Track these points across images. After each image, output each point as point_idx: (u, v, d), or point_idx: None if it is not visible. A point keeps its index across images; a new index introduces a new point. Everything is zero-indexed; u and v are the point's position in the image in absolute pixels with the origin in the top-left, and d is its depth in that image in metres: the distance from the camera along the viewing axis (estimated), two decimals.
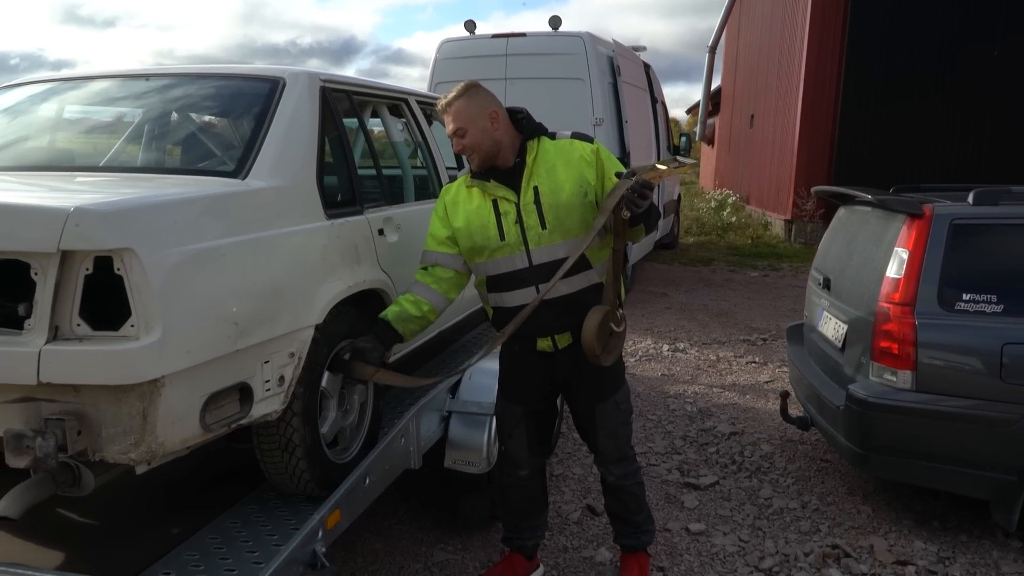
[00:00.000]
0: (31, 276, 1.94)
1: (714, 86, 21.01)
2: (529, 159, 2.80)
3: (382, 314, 2.90)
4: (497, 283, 2.89)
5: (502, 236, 2.80)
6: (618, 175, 2.73)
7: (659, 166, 2.69)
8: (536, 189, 2.78)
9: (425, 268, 2.95)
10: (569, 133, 2.89)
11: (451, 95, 2.80)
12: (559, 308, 2.81)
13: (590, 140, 2.87)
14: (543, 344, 2.90)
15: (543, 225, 2.77)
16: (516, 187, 2.80)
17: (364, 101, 3.45)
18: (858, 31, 12.69)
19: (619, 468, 3.10)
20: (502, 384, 3.13)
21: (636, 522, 3.20)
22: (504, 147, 2.80)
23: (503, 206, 2.80)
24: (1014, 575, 3.35)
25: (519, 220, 2.78)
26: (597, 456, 3.12)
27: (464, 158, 2.90)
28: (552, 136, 2.88)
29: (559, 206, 2.76)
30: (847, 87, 12.87)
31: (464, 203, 2.87)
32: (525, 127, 2.85)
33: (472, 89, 2.80)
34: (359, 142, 3.54)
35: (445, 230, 2.89)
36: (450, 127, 2.79)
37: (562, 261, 2.74)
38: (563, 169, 2.79)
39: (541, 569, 3.37)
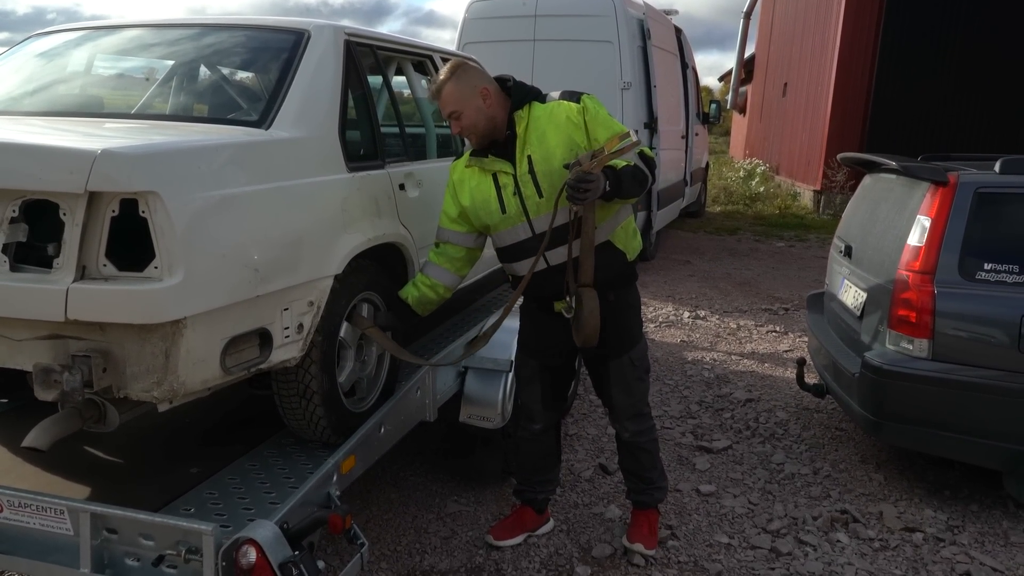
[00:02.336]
0: (60, 216, 2.00)
1: (748, 53, 20.66)
2: (520, 129, 2.79)
3: (403, 296, 3.01)
4: (506, 254, 2.96)
5: (503, 209, 2.83)
6: (566, 166, 2.69)
7: (606, 149, 2.63)
8: (530, 158, 2.78)
9: (437, 246, 3.01)
10: (558, 94, 2.85)
11: (440, 79, 2.78)
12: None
13: (577, 98, 2.81)
14: (559, 306, 2.93)
15: (540, 194, 2.78)
16: (512, 159, 2.81)
17: (389, 57, 3.46)
18: None
19: (634, 424, 3.14)
20: (521, 338, 3.21)
21: (649, 479, 3.25)
22: (499, 121, 2.80)
23: (502, 179, 2.83)
24: (1023, 544, 3.37)
25: (517, 191, 2.80)
26: (612, 412, 3.16)
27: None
28: (543, 100, 2.84)
29: (552, 172, 2.74)
30: (883, 55, 12.60)
31: (468, 181, 2.90)
32: (514, 96, 2.82)
33: (460, 69, 2.79)
34: (382, 97, 3.56)
35: (455, 208, 2.95)
36: (444, 111, 2.80)
37: (564, 227, 2.76)
38: (553, 134, 2.76)
39: (551, 523, 3.44)
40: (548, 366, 3.14)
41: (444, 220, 2.99)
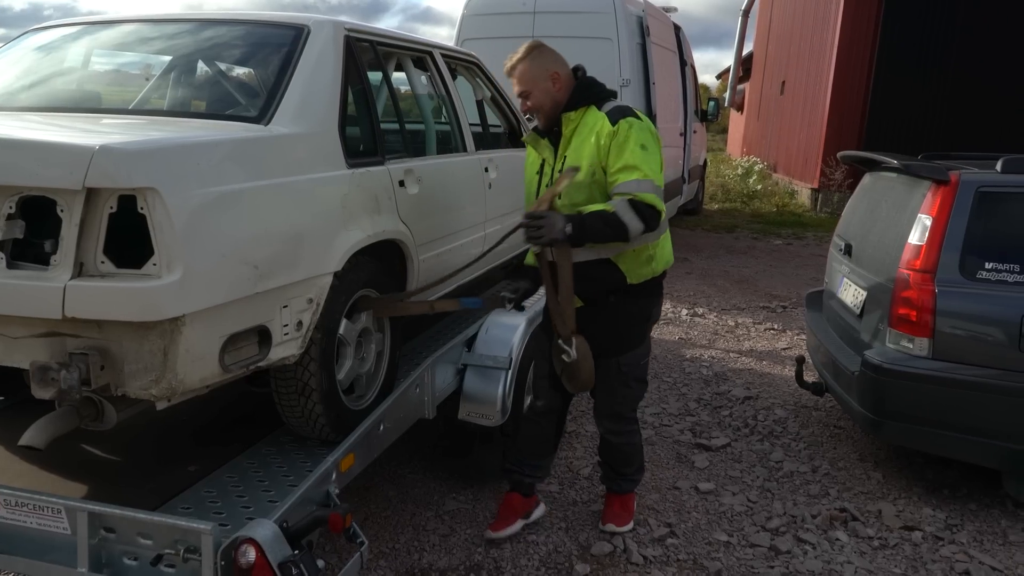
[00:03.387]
0: (57, 213, 1.98)
1: (746, 51, 20.65)
2: (566, 130, 2.88)
3: (529, 262, 3.12)
4: None
5: (536, 195, 2.99)
6: (551, 198, 2.80)
7: (558, 186, 2.78)
8: (564, 159, 2.88)
9: None
10: (614, 105, 2.89)
11: (515, 57, 2.91)
12: None
13: (615, 120, 2.79)
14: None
15: (559, 195, 2.84)
16: (555, 153, 2.95)
17: (389, 52, 3.44)
18: None
19: (610, 423, 3.23)
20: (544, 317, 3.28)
21: (622, 472, 3.37)
22: (562, 108, 2.90)
23: (545, 168, 2.98)
24: (1022, 543, 3.37)
25: (549, 184, 2.92)
26: (594, 406, 3.27)
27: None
28: (601, 104, 2.89)
29: (575, 181, 2.81)
30: (881, 54, 12.59)
31: (528, 154, 3.14)
32: (572, 95, 2.88)
33: (536, 50, 2.91)
34: (382, 93, 3.54)
35: None
36: (515, 89, 2.94)
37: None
38: (587, 147, 2.84)
39: (543, 507, 3.50)
40: None
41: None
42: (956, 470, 3.93)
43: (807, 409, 4.86)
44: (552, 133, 2.96)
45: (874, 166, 4.47)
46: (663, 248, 3.01)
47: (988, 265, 3.39)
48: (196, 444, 2.90)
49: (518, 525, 3.35)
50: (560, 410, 3.38)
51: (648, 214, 2.71)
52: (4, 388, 3.05)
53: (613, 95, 2.96)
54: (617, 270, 2.92)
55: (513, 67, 2.92)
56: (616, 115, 2.81)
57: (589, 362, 2.85)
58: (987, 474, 3.72)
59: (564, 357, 2.89)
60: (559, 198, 2.80)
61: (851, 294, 4.11)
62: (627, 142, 2.75)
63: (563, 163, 2.87)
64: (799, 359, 4.58)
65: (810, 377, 4.63)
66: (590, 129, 2.84)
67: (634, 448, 3.33)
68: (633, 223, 2.69)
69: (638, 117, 2.84)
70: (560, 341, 2.89)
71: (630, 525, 3.37)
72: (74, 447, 2.78)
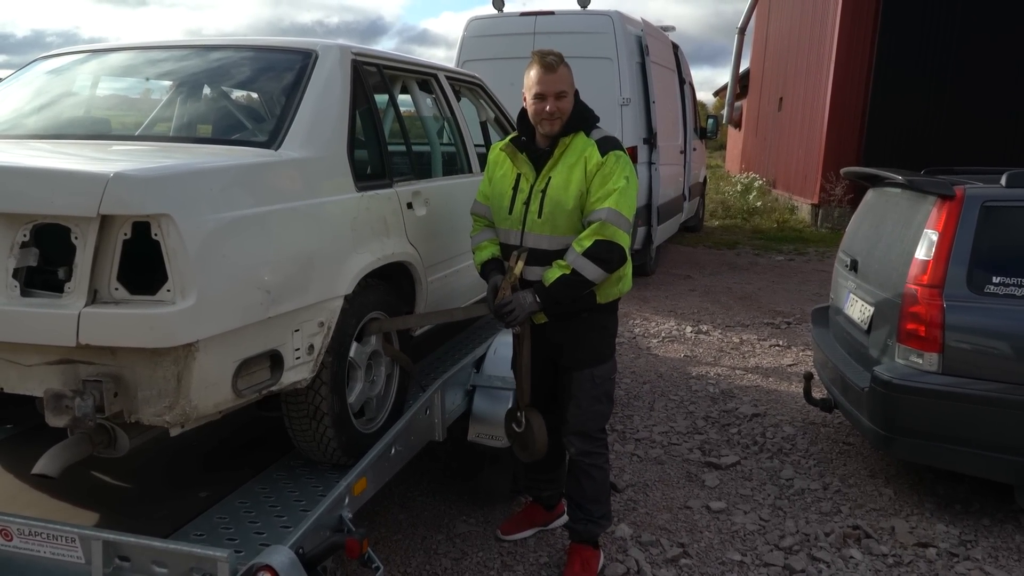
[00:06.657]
0: (71, 240, 1.98)
1: (742, 68, 20.78)
2: (558, 152, 2.83)
3: (485, 257, 3.04)
4: (502, 250, 3.06)
5: (509, 211, 2.93)
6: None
7: (512, 268, 2.84)
8: (550, 179, 2.83)
9: (478, 219, 3.13)
10: (601, 136, 2.86)
11: (555, 56, 2.81)
12: None
13: (604, 152, 2.79)
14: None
15: (539, 214, 2.84)
16: (538, 170, 2.88)
17: (394, 75, 3.46)
18: (892, 10, 12.44)
19: (579, 441, 3.05)
20: None
21: (588, 510, 3.14)
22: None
23: (522, 183, 2.91)
24: None
25: (527, 201, 2.88)
26: (564, 426, 3.09)
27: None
28: (589, 131, 2.86)
29: (558, 203, 2.80)
30: (879, 69, 12.65)
31: (498, 166, 3.01)
32: (574, 116, 2.84)
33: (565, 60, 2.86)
34: (389, 116, 3.55)
35: (487, 186, 3.06)
36: (550, 87, 2.77)
37: (545, 252, 2.85)
38: (577, 172, 2.80)
39: (565, 517, 3.45)
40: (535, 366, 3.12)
41: (480, 196, 3.12)
42: (967, 485, 3.91)
43: (815, 426, 4.84)
44: (532, 150, 2.89)
45: (877, 182, 4.48)
46: (630, 269, 3.04)
47: (995, 279, 3.39)
48: (206, 470, 2.88)
49: (529, 533, 3.45)
50: (550, 425, 3.24)
51: (607, 255, 2.74)
52: (14, 416, 3.04)
53: (597, 121, 2.94)
54: (591, 291, 2.92)
55: (558, 62, 2.79)
56: (605, 146, 2.80)
57: (543, 433, 2.98)
58: (999, 489, 3.70)
59: (514, 426, 3.04)
60: (516, 271, 2.83)
61: (858, 310, 4.11)
62: (612, 175, 2.76)
63: (546, 183, 2.82)
64: (807, 375, 4.57)
65: (818, 393, 4.61)
66: (578, 155, 2.80)
67: (603, 474, 3.15)
68: (594, 273, 2.75)
69: (623, 150, 2.87)
70: (519, 413, 3.02)
71: None
72: (84, 474, 2.77)
